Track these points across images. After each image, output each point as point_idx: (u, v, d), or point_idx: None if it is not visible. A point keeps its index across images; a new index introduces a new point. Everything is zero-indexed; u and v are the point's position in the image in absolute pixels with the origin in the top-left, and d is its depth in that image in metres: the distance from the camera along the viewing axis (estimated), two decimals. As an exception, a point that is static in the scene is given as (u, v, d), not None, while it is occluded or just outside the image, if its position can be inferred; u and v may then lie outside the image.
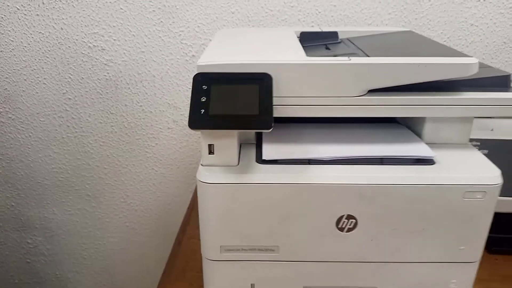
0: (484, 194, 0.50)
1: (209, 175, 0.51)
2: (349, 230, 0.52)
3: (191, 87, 0.48)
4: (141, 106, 1.00)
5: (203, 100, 0.47)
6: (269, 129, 0.46)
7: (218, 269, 0.56)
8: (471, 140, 0.69)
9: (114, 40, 0.94)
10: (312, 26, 0.91)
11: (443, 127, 0.56)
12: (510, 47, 0.92)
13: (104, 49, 0.95)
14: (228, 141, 0.51)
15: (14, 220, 1.16)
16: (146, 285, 1.23)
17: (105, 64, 0.96)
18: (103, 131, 1.03)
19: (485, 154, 0.68)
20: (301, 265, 0.55)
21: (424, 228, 0.52)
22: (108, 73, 0.97)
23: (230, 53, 0.54)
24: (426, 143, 0.56)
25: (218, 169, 0.52)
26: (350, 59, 0.49)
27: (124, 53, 0.95)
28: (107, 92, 0.99)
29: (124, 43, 0.94)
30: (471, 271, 0.56)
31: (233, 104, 0.47)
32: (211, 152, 0.52)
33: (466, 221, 0.52)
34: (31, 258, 1.21)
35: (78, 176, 1.09)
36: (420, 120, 0.57)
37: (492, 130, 0.73)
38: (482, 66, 0.61)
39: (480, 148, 0.69)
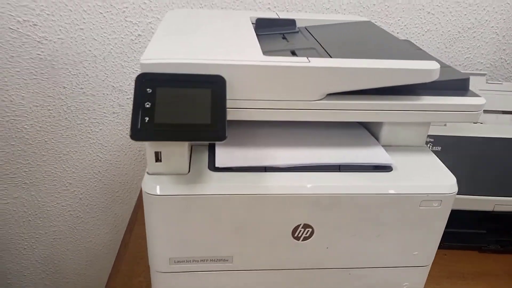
0: (440, 203, 0.49)
1: (156, 186, 0.46)
2: (305, 238, 0.50)
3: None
4: (81, 88, 0.91)
5: (148, 105, 0.42)
6: (223, 140, 0.42)
7: (167, 281, 0.53)
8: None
9: (48, 14, 0.83)
10: (269, 8, 0.86)
11: (401, 130, 0.55)
12: (464, 36, 0.92)
13: (36, 25, 0.84)
14: (177, 149, 0.46)
15: None
16: (94, 272, 1.18)
17: (38, 41, 0.86)
18: (39, 115, 0.94)
19: (438, 151, 0.69)
20: (255, 274, 0.53)
21: (379, 234, 0.51)
22: (42, 51, 0.87)
23: (179, 49, 0.48)
24: (383, 145, 0.54)
25: (166, 178, 0.47)
26: (309, 61, 0.46)
27: (60, 29, 0.85)
28: (42, 73, 0.89)
29: (59, 19, 0.84)
30: (423, 274, 0.57)
31: (182, 111, 0.42)
32: (158, 159, 0.47)
33: (421, 228, 0.51)
34: (-37, 250, 1.12)
35: (12, 163, 1.00)
36: (378, 123, 0.55)
37: (445, 125, 0.73)
38: (442, 66, 0.60)
39: (433, 144, 0.69)
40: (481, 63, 0.95)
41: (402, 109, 0.50)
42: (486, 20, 0.91)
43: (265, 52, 0.48)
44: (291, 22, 0.69)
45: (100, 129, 0.96)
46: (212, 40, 0.52)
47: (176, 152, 0.46)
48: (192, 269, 0.51)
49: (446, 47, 0.93)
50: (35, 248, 1.13)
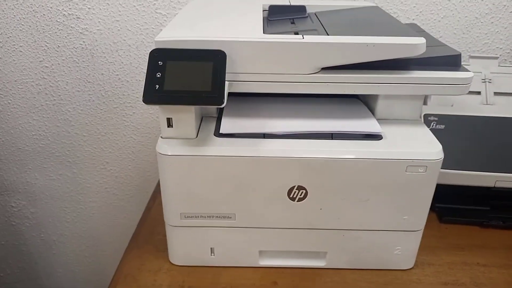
0: (426, 168, 0.53)
1: (167, 147, 0.53)
2: (300, 199, 0.56)
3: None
4: (117, 75, 1.01)
5: (158, 76, 0.49)
6: (221, 105, 0.48)
7: (180, 234, 0.60)
8: (429, 115, 0.73)
9: (89, 8, 0.93)
10: (286, -3, 0.91)
11: (395, 104, 0.59)
12: (481, 22, 0.93)
13: (79, 18, 0.95)
14: (185, 115, 0.53)
15: (-2, 184, 1.19)
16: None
17: (81, 33, 0.96)
18: (81, 99, 1.05)
19: (441, 130, 0.72)
20: (256, 231, 0.59)
21: (369, 198, 0.56)
22: (84, 41, 0.97)
23: (188, 29, 0.55)
24: (379, 119, 0.58)
25: (177, 142, 0.54)
26: (303, 38, 0.51)
27: (99, 22, 0.95)
28: (83, 61, 0.99)
29: (98, 12, 0.94)
30: (415, 239, 0.60)
31: (187, 80, 0.49)
32: (169, 125, 0.54)
33: (409, 193, 0.55)
34: (16, 221, 1.26)
35: (58, 143, 1.11)
36: (374, 97, 0.60)
37: (452, 105, 0.76)
38: (437, 44, 0.63)
39: (437, 123, 0.71)
40: (500, 48, 0.95)
41: (393, 82, 0.54)
42: (504, 6, 0.91)
43: (268, 33, 0.53)
44: (302, 8, 0.74)
45: (134, 112, 1.06)
46: (220, 22, 0.59)
47: (185, 118, 0.53)
48: (201, 224, 0.58)
49: (463, 33, 0.94)
50: (76, 222, 1.25)
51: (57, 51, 0.99)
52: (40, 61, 1.00)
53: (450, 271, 0.62)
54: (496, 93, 0.78)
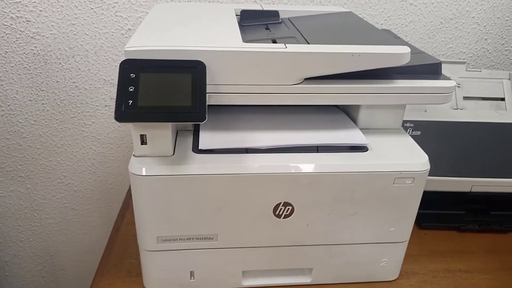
0: (413, 180, 0.52)
1: (141, 167, 0.49)
2: (286, 216, 0.53)
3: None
4: (74, 82, 0.93)
5: (131, 90, 0.44)
6: (203, 121, 0.44)
7: (156, 259, 0.55)
8: (405, 121, 0.72)
9: (40, 11, 0.86)
10: (255, 1, 0.89)
11: (377, 113, 0.57)
12: (446, 27, 0.94)
13: (29, 21, 0.87)
14: (161, 131, 0.49)
15: None
16: (90, 264, 1.21)
17: (32, 37, 0.88)
18: (33, 109, 0.96)
19: (417, 136, 0.71)
20: (240, 251, 0.56)
21: (356, 212, 0.54)
22: (35, 47, 0.89)
23: (161, 37, 0.51)
24: (361, 128, 0.57)
25: (152, 160, 0.50)
26: (286, 47, 0.48)
27: (52, 25, 0.87)
28: (35, 68, 0.91)
29: (51, 15, 0.86)
30: (401, 250, 0.59)
31: (164, 94, 0.45)
32: (143, 142, 0.49)
33: (396, 205, 0.54)
34: (-38, 243, 1.14)
35: (8, 156, 1.02)
36: (356, 107, 0.58)
37: (425, 111, 0.76)
38: (416, 52, 0.63)
39: (413, 129, 0.71)
40: (464, 52, 0.98)
41: (377, 92, 0.52)
42: (467, 11, 0.93)
43: (246, 41, 0.50)
44: (275, 14, 0.71)
45: (93, 122, 0.99)
46: (194, 29, 0.54)
47: (160, 134, 0.49)
48: (179, 247, 0.54)
49: (429, 37, 0.96)
50: (31, 241, 1.16)
51: (5, 57, 0.90)
52: (-15, 68, 0.91)
53: (434, 279, 0.62)
54: (465, 98, 0.80)
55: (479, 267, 0.64)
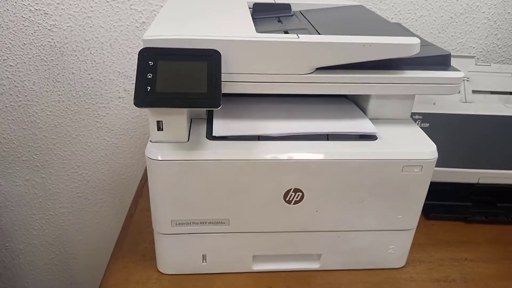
0: (421, 168, 0.53)
1: (157, 152, 0.51)
2: (296, 202, 0.55)
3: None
4: (89, 74, 0.96)
5: (149, 76, 0.46)
6: (218, 107, 0.46)
7: (170, 242, 0.57)
8: (414, 114, 0.73)
9: (58, 4, 0.88)
10: (267, -5, 0.90)
11: (387, 103, 0.59)
12: (457, 22, 0.95)
13: (47, 13, 0.89)
14: (177, 118, 0.51)
15: (-43, 192, 1.11)
16: (102, 252, 1.23)
17: (49, 29, 0.90)
18: (49, 100, 0.99)
19: (426, 128, 0.73)
20: (250, 236, 0.57)
21: (365, 199, 0.55)
22: (52, 39, 0.92)
23: (178, 27, 0.52)
24: (371, 119, 0.58)
25: (167, 146, 0.51)
26: (298, 37, 0.50)
27: (69, 18, 0.89)
28: (52, 59, 0.94)
29: (68, 8, 0.89)
30: (408, 238, 0.60)
31: (181, 81, 0.46)
32: (159, 128, 0.51)
33: (404, 193, 0.55)
34: (-22, 231, 1.18)
35: (24, 146, 1.05)
36: (366, 97, 0.59)
37: (434, 104, 0.77)
38: (425, 44, 0.64)
39: (422, 121, 0.72)
40: (473, 47, 0.98)
41: (387, 82, 0.54)
42: (478, 6, 0.94)
43: (259, 32, 0.52)
44: (287, 7, 0.73)
45: (107, 113, 1.01)
46: (209, 20, 0.56)
47: (176, 121, 0.51)
48: (192, 231, 0.56)
49: (439, 32, 0.96)
50: (45, 229, 1.19)
51: (23, 49, 0.93)
52: (3, 60, 0.93)
53: (441, 267, 0.63)
54: (474, 91, 0.81)
55: (485, 256, 0.65)
